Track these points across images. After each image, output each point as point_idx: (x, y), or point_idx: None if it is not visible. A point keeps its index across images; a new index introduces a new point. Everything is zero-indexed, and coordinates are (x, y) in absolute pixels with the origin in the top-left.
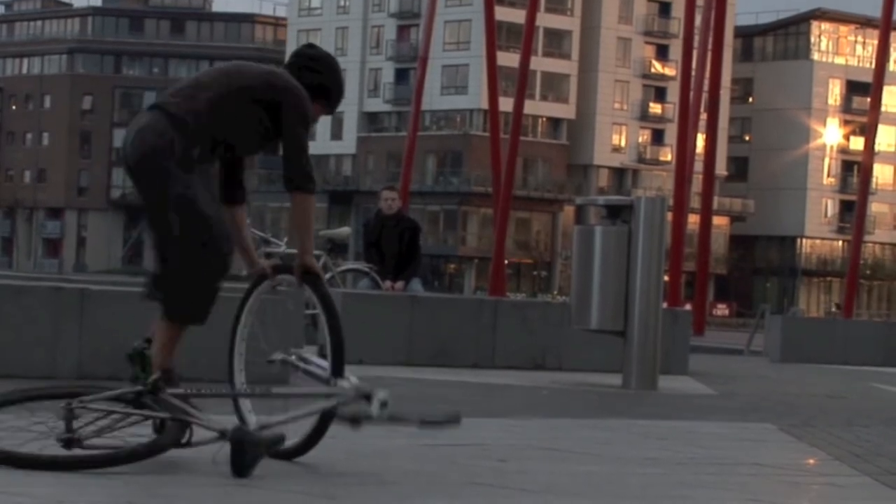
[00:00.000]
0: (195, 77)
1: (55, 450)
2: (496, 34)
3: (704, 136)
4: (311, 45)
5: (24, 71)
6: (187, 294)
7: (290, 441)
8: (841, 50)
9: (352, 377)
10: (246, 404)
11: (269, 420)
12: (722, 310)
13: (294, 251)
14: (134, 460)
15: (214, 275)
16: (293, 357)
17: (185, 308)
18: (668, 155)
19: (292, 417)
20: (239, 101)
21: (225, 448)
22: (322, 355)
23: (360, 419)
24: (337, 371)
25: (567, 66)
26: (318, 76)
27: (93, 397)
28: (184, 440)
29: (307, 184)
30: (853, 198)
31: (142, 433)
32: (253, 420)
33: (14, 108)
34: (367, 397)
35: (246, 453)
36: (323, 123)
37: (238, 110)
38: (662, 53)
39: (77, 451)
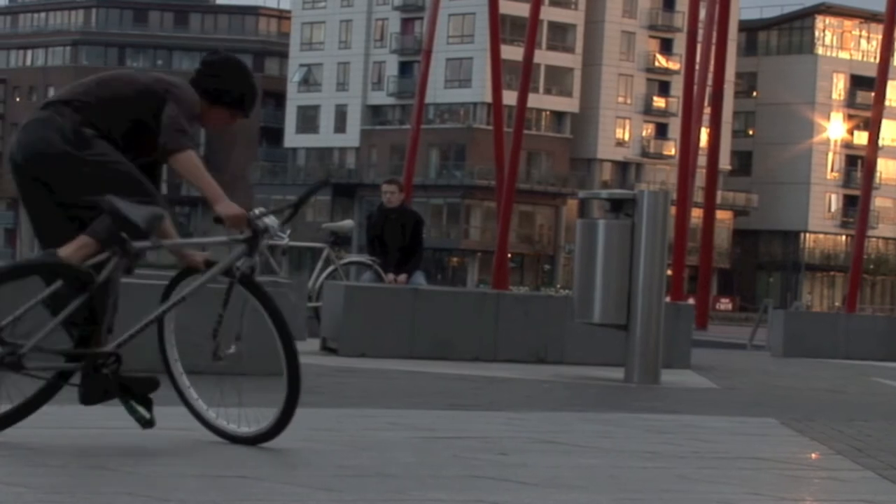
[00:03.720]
0: (80, 83)
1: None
2: (500, 27)
3: (708, 130)
4: (213, 52)
5: (28, 63)
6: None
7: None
8: (845, 44)
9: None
10: (191, 392)
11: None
12: (725, 304)
13: (296, 244)
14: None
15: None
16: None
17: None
18: (671, 149)
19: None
20: (123, 108)
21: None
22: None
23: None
24: None
25: (571, 60)
26: (215, 80)
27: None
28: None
29: (178, 144)
30: (857, 192)
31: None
32: (203, 407)
33: (18, 99)
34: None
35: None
36: (326, 117)
37: (123, 114)
38: (666, 47)
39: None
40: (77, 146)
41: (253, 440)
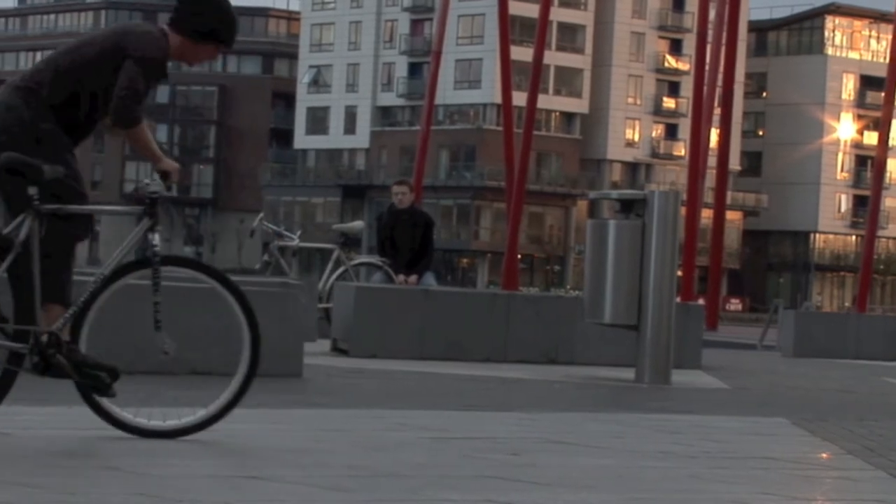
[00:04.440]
0: (49, 57)
1: None
2: (509, 28)
3: (718, 130)
4: None
5: None
6: None
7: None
8: (855, 45)
9: None
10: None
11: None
12: (735, 304)
13: (306, 245)
14: None
15: None
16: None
17: None
18: (681, 149)
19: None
20: (93, 67)
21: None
22: None
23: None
24: None
25: (580, 61)
26: (198, 18)
27: None
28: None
29: (133, 118)
30: (867, 193)
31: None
32: (115, 409)
33: None
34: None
35: None
36: (336, 118)
37: (95, 74)
38: (676, 48)
39: None
40: (28, 142)
41: (189, 429)
